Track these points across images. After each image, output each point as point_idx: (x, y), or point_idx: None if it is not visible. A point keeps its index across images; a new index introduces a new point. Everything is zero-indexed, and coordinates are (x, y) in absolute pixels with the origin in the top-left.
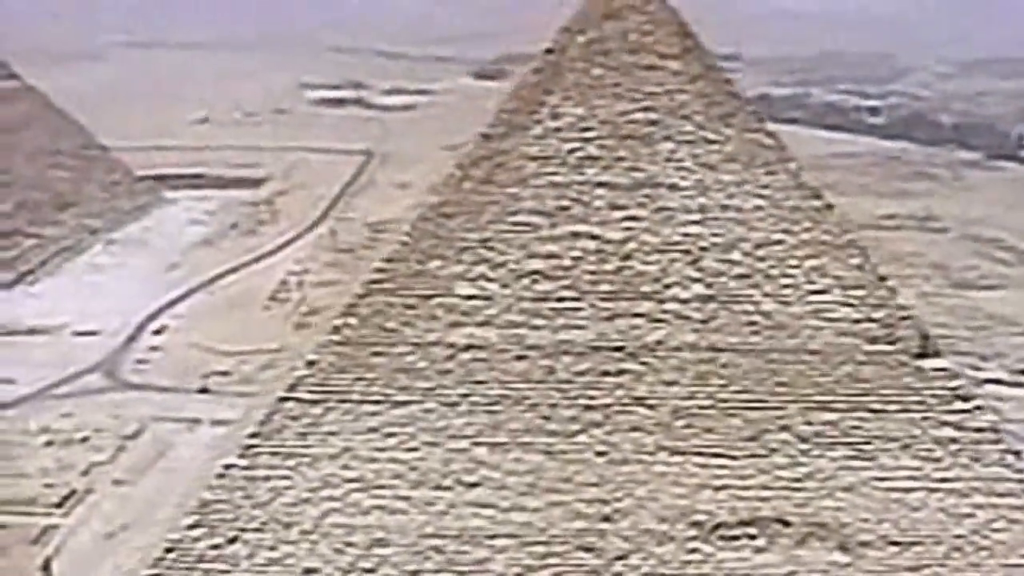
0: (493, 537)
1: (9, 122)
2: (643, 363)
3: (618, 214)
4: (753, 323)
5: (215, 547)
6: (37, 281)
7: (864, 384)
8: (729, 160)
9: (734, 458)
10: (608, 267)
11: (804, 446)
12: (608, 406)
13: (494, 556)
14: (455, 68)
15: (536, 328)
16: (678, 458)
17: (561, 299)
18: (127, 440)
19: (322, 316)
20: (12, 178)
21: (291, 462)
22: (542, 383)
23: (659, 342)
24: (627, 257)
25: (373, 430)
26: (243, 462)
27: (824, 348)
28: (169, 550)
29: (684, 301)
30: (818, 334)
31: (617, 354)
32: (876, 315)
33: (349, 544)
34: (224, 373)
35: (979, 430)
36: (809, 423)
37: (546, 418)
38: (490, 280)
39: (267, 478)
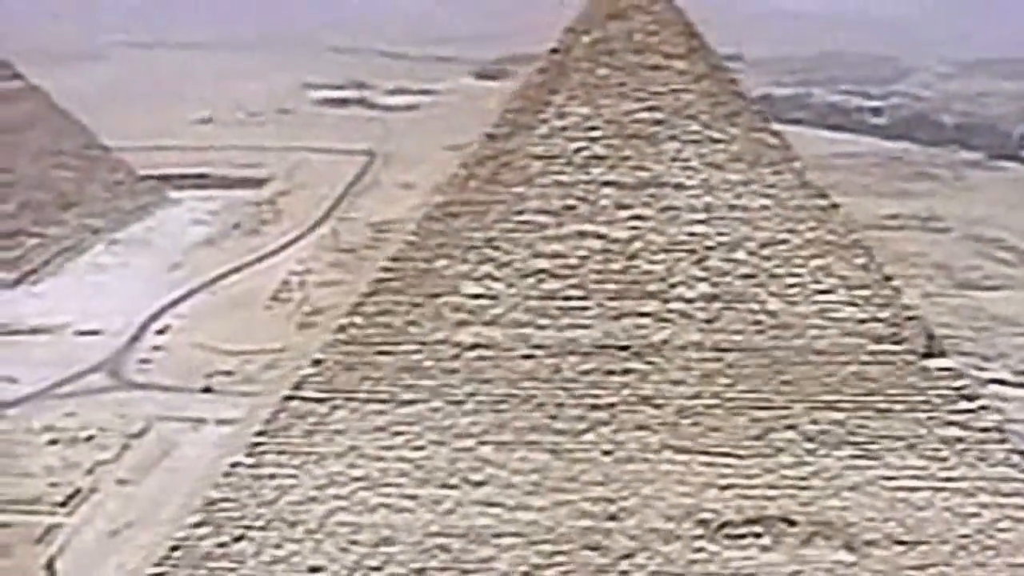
0: (499, 536)
1: (13, 122)
2: (649, 362)
3: (624, 213)
4: (759, 322)
5: (221, 545)
6: (40, 281)
7: (870, 384)
8: (734, 159)
9: (740, 457)
10: (614, 266)
11: (810, 445)
12: (614, 405)
13: (500, 555)
14: (457, 68)
15: (542, 327)
16: (684, 457)
17: (567, 298)
18: (131, 439)
19: (325, 316)
20: (16, 178)
21: (297, 460)
22: (548, 382)
23: (665, 341)
24: (633, 256)
25: (379, 429)
26: (249, 460)
27: (829, 347)
28: (175, 548)
29: (690, 300)
30: (823, 333)
31: (623, 353)
32: (881, 315)
33: (355, 542)
34: (227, 372)
35: (985, 430)
36: (815, 422)
37: (552, 417)
38: (496, 279)
39: (273, 476)
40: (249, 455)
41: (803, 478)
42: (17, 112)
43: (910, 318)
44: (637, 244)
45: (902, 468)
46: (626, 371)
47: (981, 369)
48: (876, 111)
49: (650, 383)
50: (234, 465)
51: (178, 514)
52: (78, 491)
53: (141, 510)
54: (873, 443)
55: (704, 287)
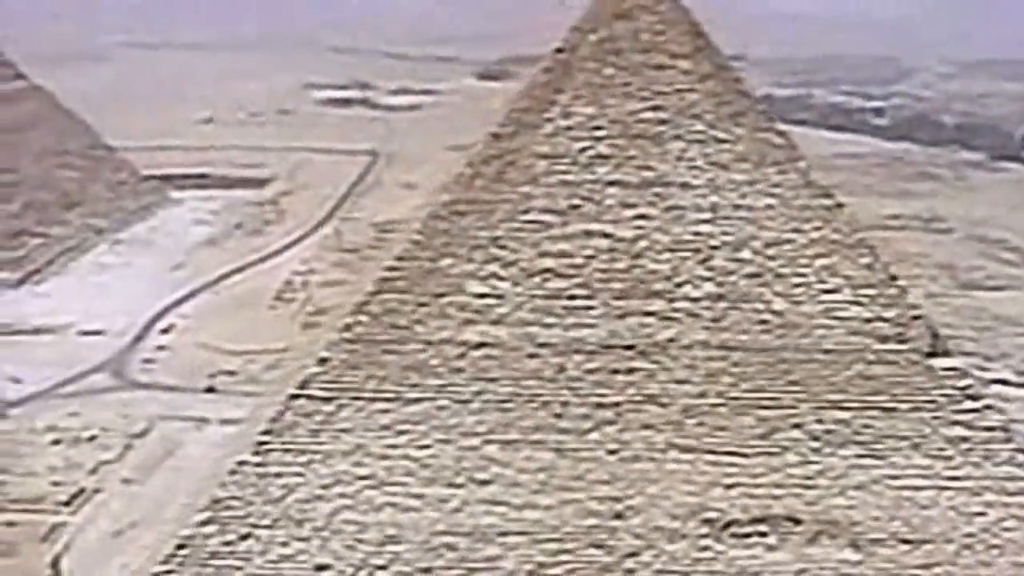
0: (505, 534)
1: (16, 122)
2: (654, 361)
3: (629, 212)
4: (764, 322)
5: (227, 543)
6: (43, 281)
7: (875, 383)
8: (740, 159)
9: (745, 456)
10: (619, 265)
11: (815, 444)
12: (619, 404)
13: (506, 553)
14: (459, 69)
15: (547, 326)
16: (689, 456)
17: (572, 297)
18: (135, 439)
19: (328, 316)
20: (19, 178)
21: (303, 459)
22: (553, 381)
23: (670, 340)
24: (638, 255)
25: (385, 427)
26: (255, 459)
27: (835, 347)
28: (181, 547)
29: (695, 299)
30: (828, 333)
31: (628, 352)
32: (886, 314)
33: (361, 541)
34: (231, 372)
35: (989, 429)
36: (820, 421)
37: (558, 416)
38: (501, 278)
39: (279, 475)
40: (255, 453)
41: (808, 477)
42: (20, 112)
43: (915, 317)
44: (642, 243)
45: (907, 467)
46: (631, 370)
47: (984, 369)
48: (877, 112)
49: (655, 382)
50: (240, 464)
51: (182, 513)
52: (82, 491)
53: (145, 510)
54: (878, 442)
55: (709, 286)
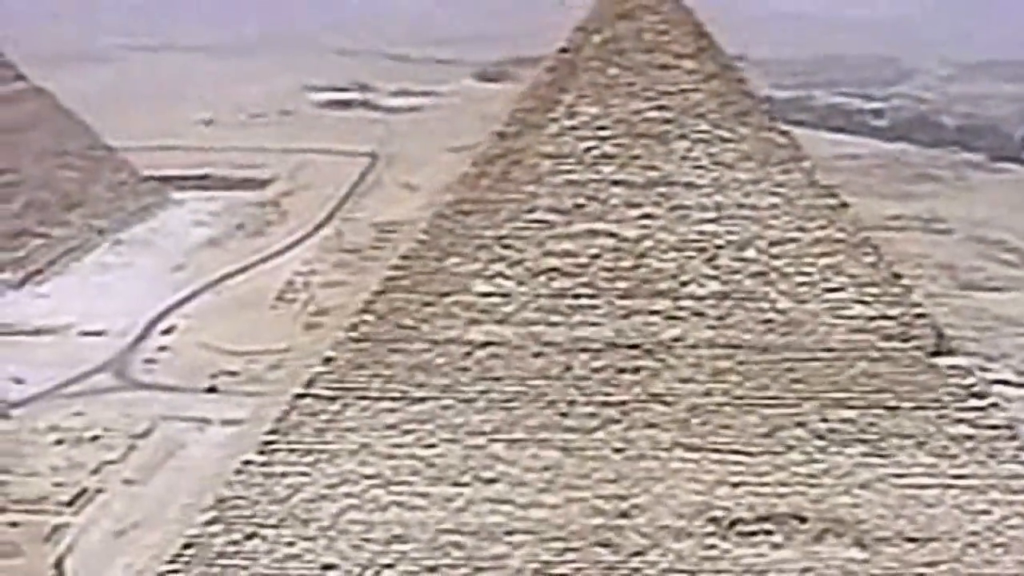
0: (511, 533)
1: (17, 123)
2: (659, 360)
3: (634, 212)
4: (768, 320)
5: (233, 543)
6: (45, 281)
7: (879, 381)
8: (744, 159)
9: (751, 455)
10: (624, 264)
11: (820, 443)
12: (625, 403)
13: (512, 552)
14: (458, 70)
15: (553, 325)
16: (695, 455)
17: (578, 296)
18: (137, 439)
19: (330, 316)
20: (20, 178)
21: (309, 458)
22: (559, 380)
23: (675, 339)
24: (643, 255)
25: (391, 427)
26: (261, 458)
27: (839, 345)
28: (187, 546)
29: (700, 298)
30: (833, 331)
31: (633, 351)
32: (891, 313)
33: (367, 540)
34: (232, 373)
35: (994, 427)
36: (825, 420)
37: (563, 415)
38: (507, 277)
39: (285, 474)
40: (261, 453)
41: (814, 475)
42: (21, 113)
43: (919, 316)
44: (647, 243)
45: (912, 465)
46: (637, 369)
47: (984, 370)
48: (877, 113)
49: (661, 381)
50: (246, 463)
51: (186, 513)
52: (84, 491)
53: (147, 510)
54: (883, 441)
55: (714, 285)
